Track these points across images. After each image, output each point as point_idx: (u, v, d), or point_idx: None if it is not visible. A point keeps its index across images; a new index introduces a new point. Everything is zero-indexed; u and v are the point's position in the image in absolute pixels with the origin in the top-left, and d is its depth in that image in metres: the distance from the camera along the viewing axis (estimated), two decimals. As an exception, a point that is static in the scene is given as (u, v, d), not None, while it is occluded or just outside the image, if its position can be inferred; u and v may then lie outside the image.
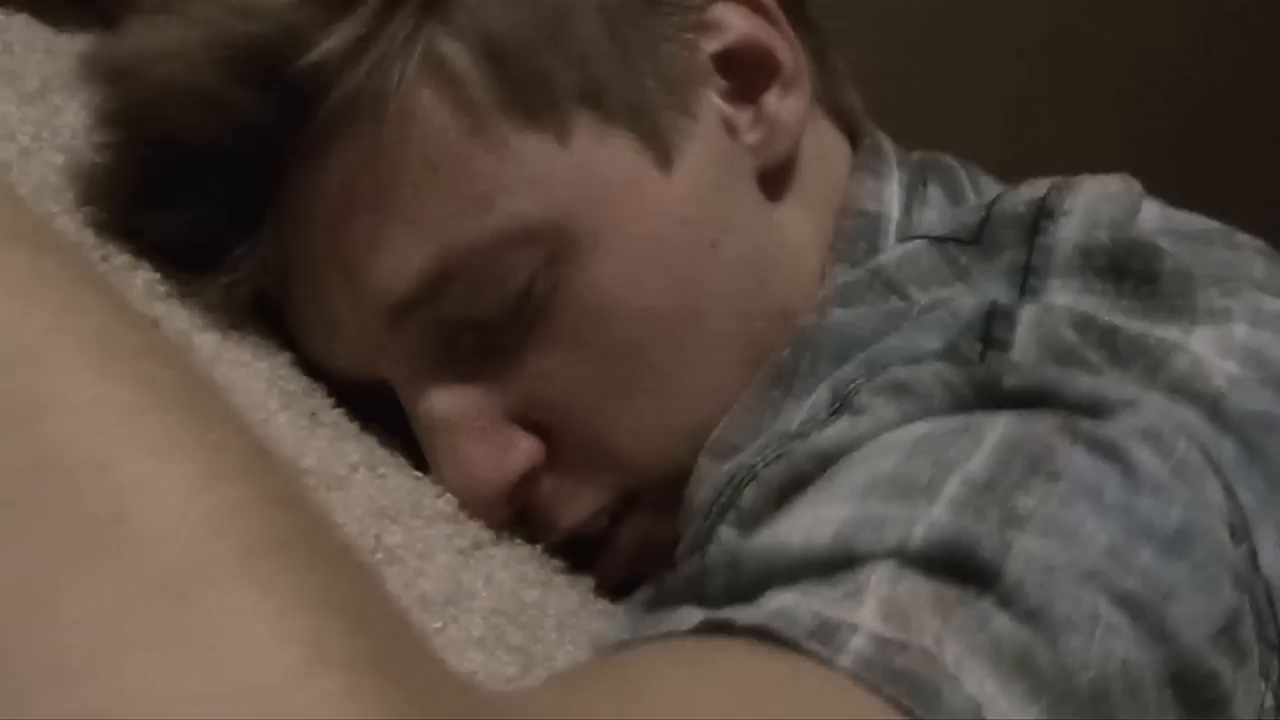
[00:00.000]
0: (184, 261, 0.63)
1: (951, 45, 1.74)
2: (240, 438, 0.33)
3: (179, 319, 0.62)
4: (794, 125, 0.67)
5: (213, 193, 0.62)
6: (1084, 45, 1.85)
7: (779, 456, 0.55)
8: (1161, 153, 1.58)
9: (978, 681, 0.42)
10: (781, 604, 0.44)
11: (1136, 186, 0.63)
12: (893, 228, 0.67)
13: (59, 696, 0.28)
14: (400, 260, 0.62)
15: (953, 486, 0.47)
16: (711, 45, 0.66)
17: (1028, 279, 0.58)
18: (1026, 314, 0.56)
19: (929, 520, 0.46)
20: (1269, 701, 0.49)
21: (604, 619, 0.54)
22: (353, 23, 0.59)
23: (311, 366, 0.65)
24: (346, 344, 0.64)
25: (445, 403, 0.64)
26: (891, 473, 0.49)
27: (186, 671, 0.28)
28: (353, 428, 0.63)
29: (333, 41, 0.59)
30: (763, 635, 0.42)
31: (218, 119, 0.60)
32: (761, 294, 0.65)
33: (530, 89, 0.62)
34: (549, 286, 0.62)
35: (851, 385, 0.56)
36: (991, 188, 0.69)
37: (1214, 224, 0.63)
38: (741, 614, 0.43)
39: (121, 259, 0.62)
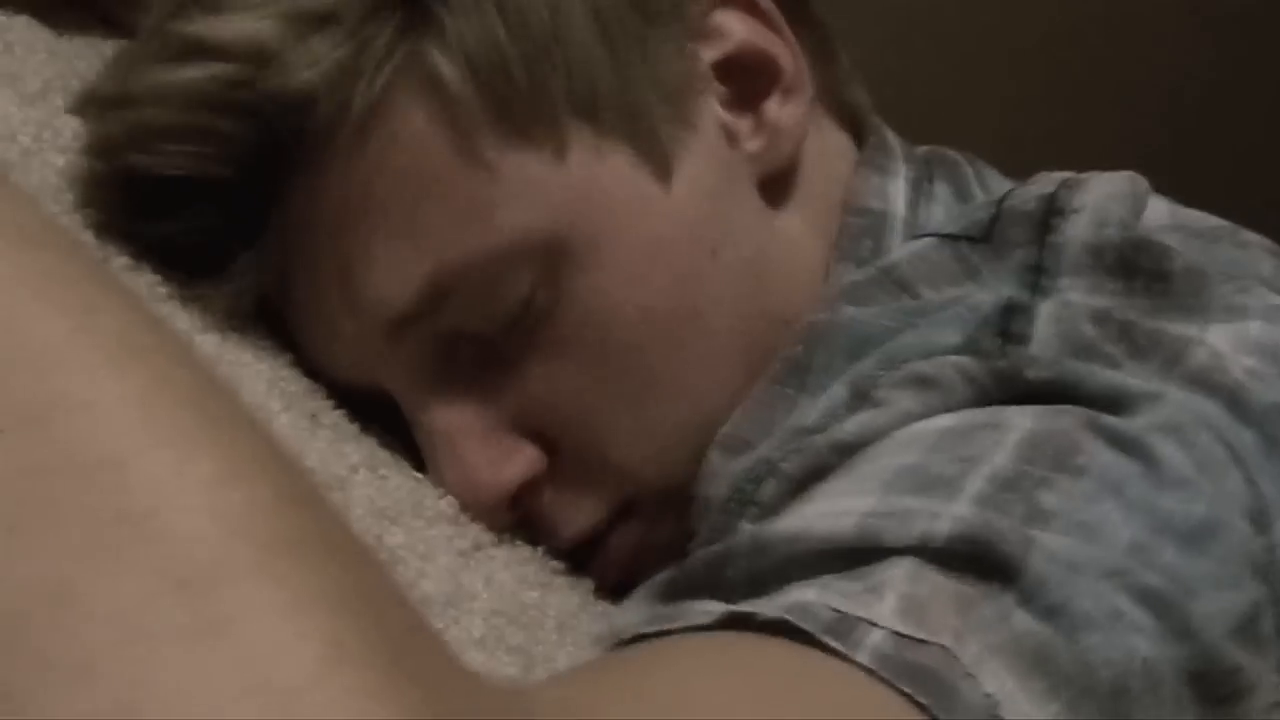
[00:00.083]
0: (186, 267, 0.63)
1: (951, 44, 1.75)
2: (256, 437, 0.34)
3: (180, 320, 0.62)
4: (795, 131, 0.67)
5: (211, 208, 0.62)
6: (1084, 44, 1.85)
7: (798, 451, 0.55)
8: (1161, 152, 1.59)
9: (996, 679, 0.42)
10: (800, 598, 0.44)
11: (1143, 184, 0.63)
12: (899, 225, 0.67)
13: (83, 693, 0.28)
14: (397, 276, 0.62)
15: (977, 481, 0.47)
16: (711, 53, 0.65)
17: (1039, 278, 0.58)
18: (1045, 308, 0.56)
19: (953, 515, 0.46)
20: None
21: (619, 614, 0.54)
22: (330, 45, 0.59)
23: (312, 368, 0.65)
24: (347, 354, 0.64)
25: (445, 413, 0.63)
26: (916, 465, 0.49)
27: (207, 668, 0.29)
28: (353, 429, 0.63)
29: (312, 65, 0.59)
30: (780, 629, 0.42)
31: (206, 152, 0.60)
32: (762, 298, 0.65)
33: (524, 104, 0.61)
34: (549, 298, 0.62)
35: (870, 380, 0.56)
36: (998, 183, 0.69)
37: (1221, 221, 0.63)
38: (759, 607, 0.43)
39: (122, 260, 0.62)
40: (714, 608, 0.45)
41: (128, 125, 0.61)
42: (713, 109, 0.65)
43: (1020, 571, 0.45)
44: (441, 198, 0.61)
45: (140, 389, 0.32)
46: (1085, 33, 1.84)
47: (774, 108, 0.66)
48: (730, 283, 0.64)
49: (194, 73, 0.59)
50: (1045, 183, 0.63)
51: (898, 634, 0.42)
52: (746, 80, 0.66)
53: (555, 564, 0.64)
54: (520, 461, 0.64)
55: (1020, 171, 0.68)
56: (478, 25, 0.61)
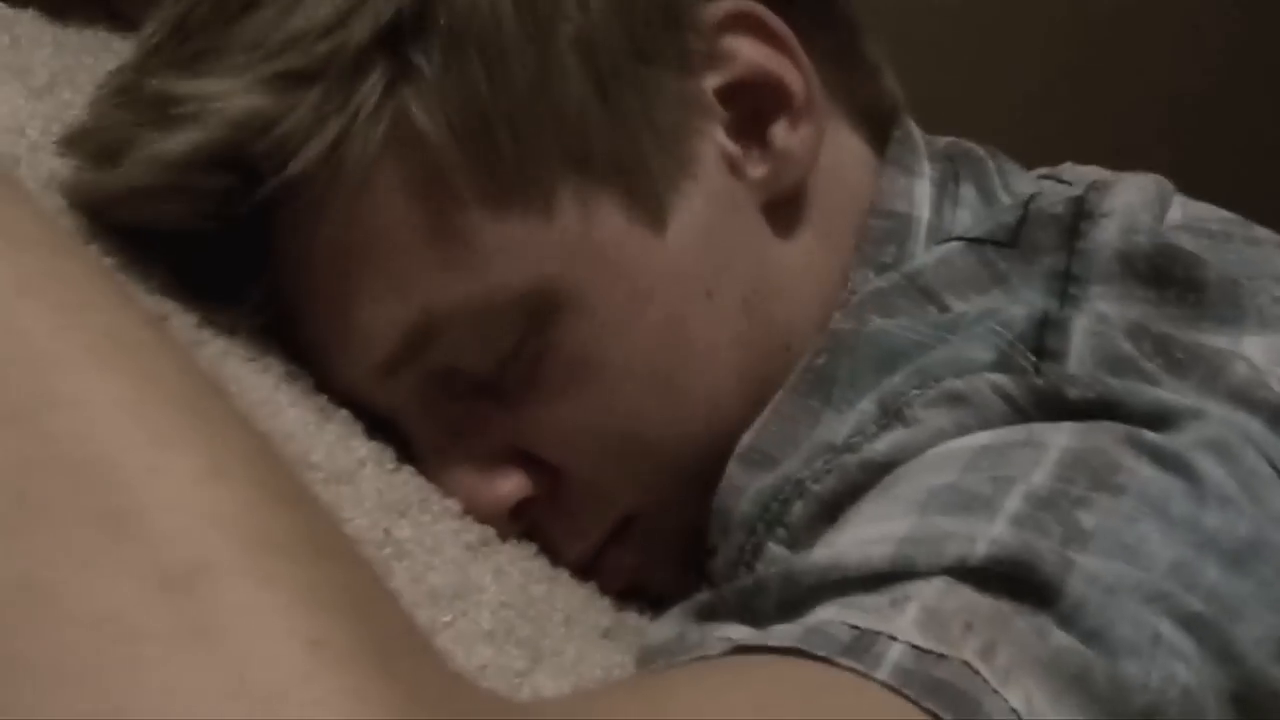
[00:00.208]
0: (195, 276, 0.63)
1: (952, 44, 1.74)
2: (245, 435, 0.33)
3: (189, 315, 0.61)
4: (804, 157, 0.64)
5: (206, 250, 0.62)
6: (1086, 41, 1.85)
7: (828, 471, 0.54)
8: (1166, 146, 1.58)
9: (1024, 694, 0.41)
10: (819, 619, 0.43)
11: (1168, 186, 0.62)
12: (923, 230, 0.65)
13: (64, 696, 0.28)
14: (382, 324, 0.61)
15: (1015, 501, 0.46)
16: (716, 79, 0.63)
17: (1068, 286, 0.57)
18: (1080, 323, 0.54)
19: (990, 537, 0.45)
20: None
21: (657, 625, 0.54)
22: (311, 100, 0.58)
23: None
24: (344, 384, 0.63)
25: (439, 441, 0.63)
26: (951, 485, 0.48)
27: (190, 670, 0.29)
28: (361, 423, 0.62)
29: (289, 122, 0.57)
30: (798, 653, 0.42)
31: (194, 210, 0.59)
32: (761, 330, 0.64)
33: (509, 164, 0.60)
34: (538, 345, 0.61)
35: (902, 398, 0.54)
36: (1020, 180, 0.67)
37: (1232, 216, 0.62)
38: (777, 635, 0.43)
39: (130, 254, 0.62)
40: (735, 633, 0.45)
41: (115, 187, 0.60)
42: (715, 140, 0.63)
43: (1059, 594, 0.44)
44: (423, 254, 0.60)
45: (129, 387, 0.32)
46: (1089, 28, 1.84)
47: (781, 133, 0.64)
48: (725, 321, 0.63)
49: (181, 139, 0.58)
50: (1073, 182, 0.62)
51: (918, 649, 0.41)
52: (753, 104, 0.64)
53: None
54: (510, 486, 0.63)
55: (1026, 165, 0.68)
56: (460, 81, 0.59)
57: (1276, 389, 0.52)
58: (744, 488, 0.58)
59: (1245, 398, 0.52)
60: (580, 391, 0.62)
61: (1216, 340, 0.54)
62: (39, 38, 0.70)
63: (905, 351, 0.57)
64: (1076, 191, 0.61)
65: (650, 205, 0.62)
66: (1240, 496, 0.48)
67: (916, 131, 0.69)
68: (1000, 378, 0.53)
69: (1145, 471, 0.48)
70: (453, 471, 0.63)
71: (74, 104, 0.66)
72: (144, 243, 0.62)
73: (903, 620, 0.43)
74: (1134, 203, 0.60)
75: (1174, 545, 0.46)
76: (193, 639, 0.29)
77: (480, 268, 0.60)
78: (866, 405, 0.56)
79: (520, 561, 0.61)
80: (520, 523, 0.63)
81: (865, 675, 0.41)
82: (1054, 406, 0.52)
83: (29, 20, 0.71)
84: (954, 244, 0.62)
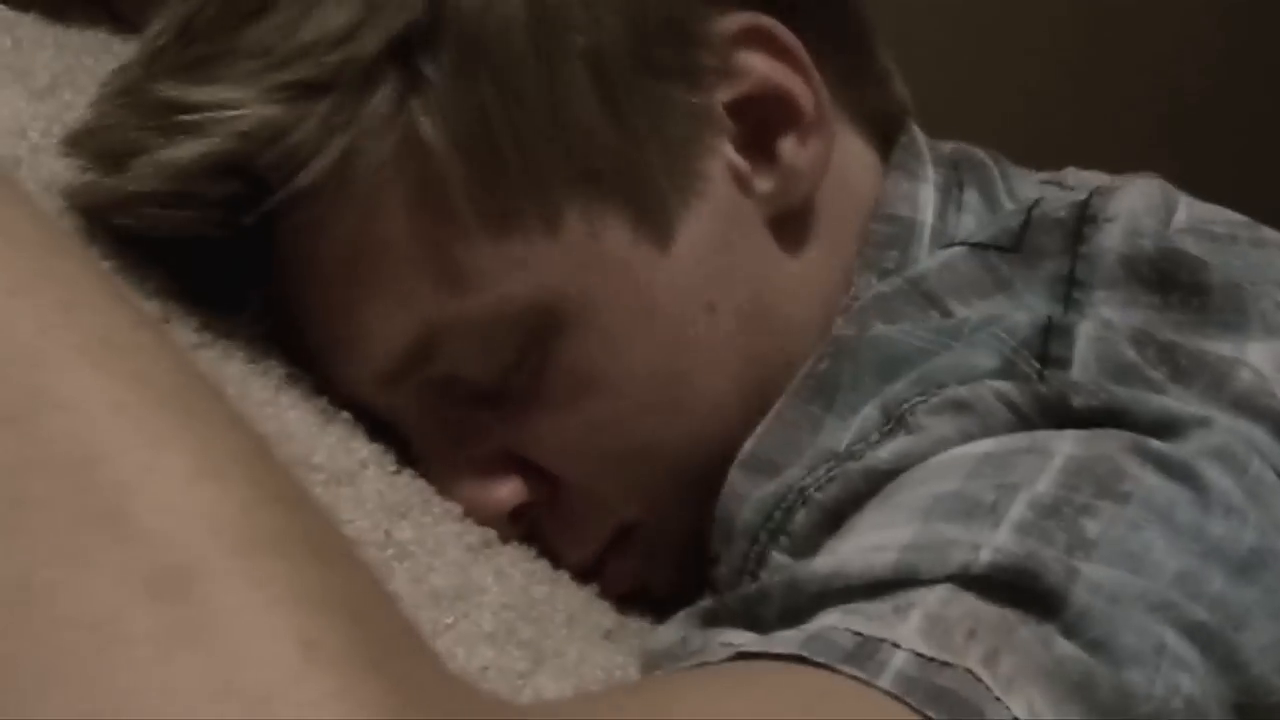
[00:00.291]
0: (196, 280, 0.63)
1: (952, 44, 1.74)
2: (239, 436, 0.33)
3: (191, 318, 0.61)
4: (811, 173, 0.64)
5: (218, 250, 0.61)
6: (1084, 44, 1.85)
7: (830, 479, 0.54)
8: (1168, 146, 1.58)
9: (1027, 701, 0.41)
10: (821, 626, 0.43)
11: (1172, 189, 0.62)
12: (926, 234, 0.64)
13: (53, 698, 0.28)
14: (384, 336, 0.61)
15: (1018, 509, 0.46)
16: (726, 93, 0.63)
17: (1071, 291, 0.57)
18: (1084, 330, 0.54)
19: (994, 544, 0.45)
20: None
21: (660, 630, 0.54)
22: (321, 111, 0.57)
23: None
24: (347, 390, 0.63)
25: (439, 447, 0.63)
26: (955, 492, 0.48)
27: (180, 671, 0.28)
28: (363, 425, 0.62)
29: (299, 133, 0.57)
30: (800, 660, 0.42)
31: (200, 217, 0.59)
32: (761, 345, 0.63)
33: (514, 180, 0.59)
34: (538, 360, 0.61)
35: (905, 405, 0.54)
36: (1023, 185, 0.67)
37: (1238, 218, 0.62)
38: (779, 641, 0.43)
39: (132, 257, 0.62)
40: (738, 639, 0.45)
41: (120, 192, 0.59)
42: (723, 154, 0.63)
43: (1063, 603, 0.44)
44: (427, 267, 0.60)
45: (123, 388, 0.32)
46: (1089, 28, 1.84)
47: (790, 148, 0.64)
48: (728, 334, 0.63)
49: (189, 148, 0.57)
50: (1076, 187, 0.62)
51: (921, 656, 0.41)
52: (762, 118, 0.63)
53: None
54: (508, 492, 0.63)
55: (1027, 165, 0.67)
56: (469, 94, 0.59)
57: None
58: (746, 495, 0.58)
59: (1250, 406, 0.52)
60: (581, 403, 0.62)
61: (1221, 347, 0.54)
62: (40, 40, 0.70)
63: (908, 357, 0.57)
64: (1080, 196, 0.61)
65: (657, 221, 0.61)
66: (1246, 505, 0.48)
67: (921, 137, 0.69)
68: (1004, 385, 0.53)
69: (1150, 480, 0.48)
70: (453, 477, 0.62)
71: (75, 105, 0.66)
72: (145, 247, 0.62)
73: (906, 627, 0.42)
74: (1138, 207, 0.59)
75: (1179, 554, 0.46)
76: (185, 640, 0.29)
77: (485, 281, 0.60)
78: (869, 411, 0.56)
79: (522, 563, 0.61)
80: (520, 525, 0.63)
81: (867, 683, 0.41)
82: (1058, 414, 0.51)
83: (30, 22, 0.71)
84: (957, 249, 0.62)
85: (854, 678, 0.41)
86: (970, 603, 0.44)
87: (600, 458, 0.63)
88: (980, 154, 0.69)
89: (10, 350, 0.32)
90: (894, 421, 0.54)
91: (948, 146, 0.69)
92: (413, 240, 0.60)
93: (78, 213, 0.61)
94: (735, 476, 0.60)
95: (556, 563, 0.63)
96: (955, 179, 0.67)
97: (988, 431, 0.52)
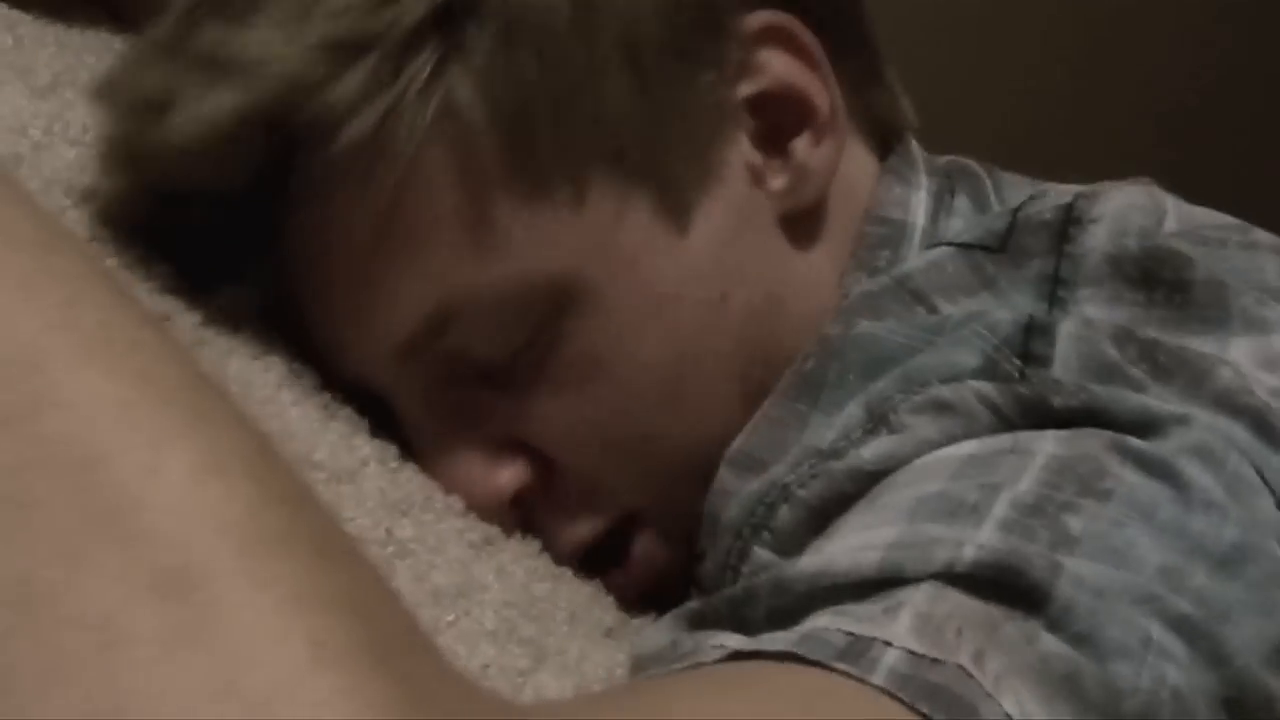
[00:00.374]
0: (198, 267, 0.63)
1: (952, 44, 1.74)
2: (244, 434, 0.33)
3: (193, 314, 0.61)
4: (823, 173, 0.65)
5: (225, 214, 0.61)
6: (1084, 45, 1.85)
7: (814, 476, 0.54)
8: (1166, 149, 1.58)
9: (1017, 699, 0.41)
10: (814, 626, 0.43)
11: (1160, 194, 0.62)
12: (918, 236, 0.65)
13: (55, 699, 0.28)
14: (403, 306, 0.61)
15: (1001, 507, 0.47)
16: (747, 88, 0.64)
17: (1056, 289, 0.58)
18: (1065, 328, 0.55)
19: (978, 542, 0.45)
20: None
21: (647, 633, 0.54)
22: (363, 69, 0.58)
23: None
24: (351, 365, 0.64)
25: (442, 428, 0.63)
26: (939, 493, 0.48)
27: (188, 670, 0.28)
28: (364, 422, 0.62)
29: (340, 89, 0.58)
30: (794, 659, 0.42)
31: (228, 166, 0.59)
32: (769, 340, 0.64)
33: (545, 153, 0.60)
34: (550, 339, 0.61)
35: (888, 402, 0.55)
36: (1014, 192, 0.68)
37: (1230, 222, 0.62)
38: (772, 641, 0.43)
39: (134, 253, 0.62)
40: (729, 640, 0.45)
41: (157, 138, 0.59)
42: (741, 148, 0.64)
43: (1048, 598, 0.44)
44: (453, 235, 0.60)
45: (126, 386, 0.32)
46: (1088, 29, 1.84)
47: (803, 148, 0.65)
48: (736, 328, 0.63)
49: (230, 97, 0.58)
50: (1061, 192, 0.62)
51: (913, 653, 0.41)
52: (778, 116, 0.64)
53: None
54: (510, 475, 0.63)
55: (1020, 171, 0.67)
56: (508, 64, 0.59)
57: (1260, 394, 0.52)
58: (734, 492, 0.59)
59: (1229, 403, 0.52)
60: (589, 386, 0.62)
61: (1203, 343, 0.54)
62: (41, 38, 0.70)
63: (892, 355, 0.57)
64: (1066, 200, 0.61)
65: (676, 206, 0.62)
66: (1226, 502, 0.48)
67: (917, 149, 0.70)
68: (986, 386, 0.53)
69: (1131, 478, 0.48)
70: (452, 460, 0.63)
71: (76, 104, 0.66)
72: (147, 241, 0.62)
73: (897, 626, 0.43)
74: (1124, 208, 0.60)
75: (1162, 550, 0.46)
76: (189, 640, 0.29)
77: (507, 253, 0.60)
78: (853, 409, 0.56)
79: (523, 560, 0.61)
80: (519, 512, 0.63)
81: (861, 680, 0.41)
82: (1039, 414, 0.52)
83: (31, 20, 0.71)
84: (944, 249, 0.63)
85: (848, 675, 0.41)
86: (956, 600, 0.44)
87: (603, 443, 0.63)
88: (974, 165, 0.70)
89: (12, 349, 0.32)
90: (877, 420, 0.55)
91: (943, 160, 0.70)
92: (442, 208, 0.60)
93: (108, 163, 0.61)
94: (724, 474, 0.61)
95: (555, 554, 0.63)
96: (948, 186, 0.68)
97: (970, 433, 0.52)
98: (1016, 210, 0.62)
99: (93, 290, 0.35)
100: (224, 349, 0.61)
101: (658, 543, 0.65)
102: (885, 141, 0.70)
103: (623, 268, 0.61)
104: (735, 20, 0.63)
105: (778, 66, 0.64)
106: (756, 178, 0.64)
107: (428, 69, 0.59)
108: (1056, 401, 0.52)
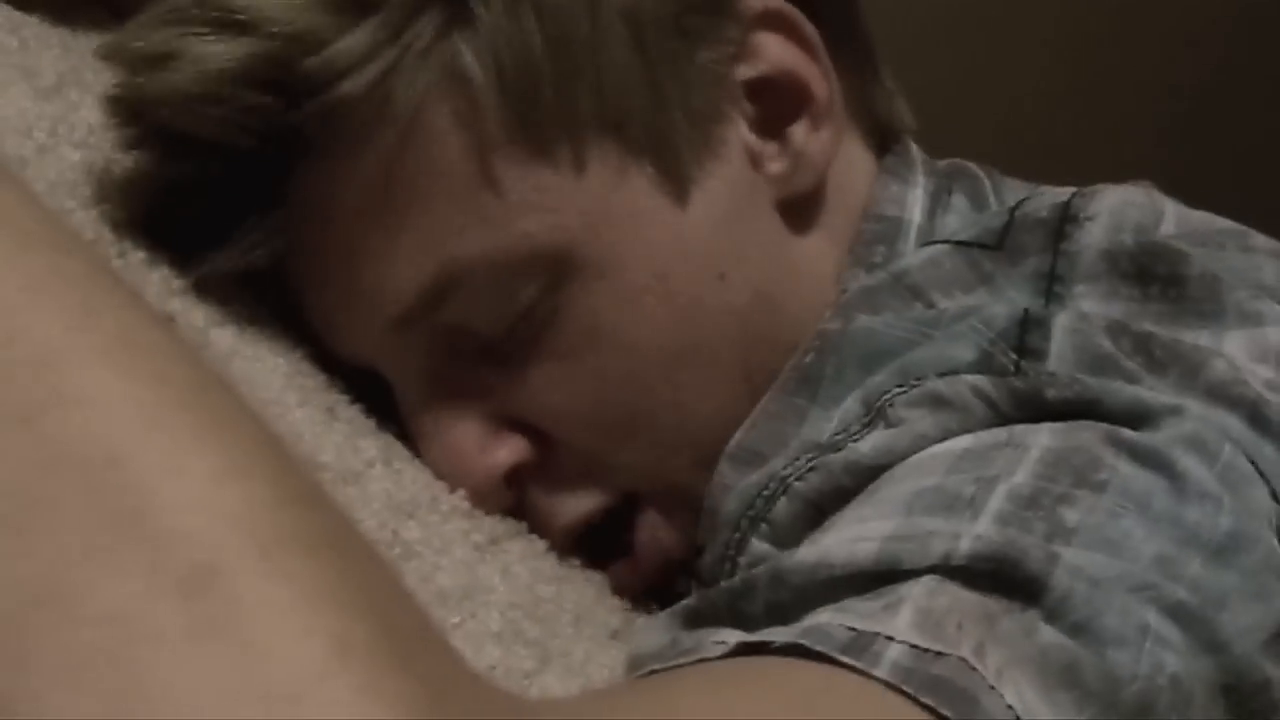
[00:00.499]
0: (198, 238, 0.63)
1: (952, 45, 1.74)
2: (259, 435, 0.33)
3: (195, 314, 0.62)
4: (820, 159, 0.65)
5: (228, 174, 0.62)
6: (1084, 44, 1.85)
7: (811, 469, 0.54)
8: (1165, 152, 1.58)
9: (1017, 691, 0.42)
10: (816, 621, 0.44)
11: (1159, 197, 0.63)
12: (914, 233, 0.66)
13: (79, 697, 0.28)
14: (403, 272, 0.61)
15: (997, 500, 0.47)
16: (745, 72, 0.64)
17: (1052, 285, 0.58)
18: (1060, 321, 0.55)
19: (974, 534, 0.46)
20: None
21: (645, 632, 0.54)
22: (367, 28, 0.58)
23: (328, 361, 0.65)
24: (347, 339, 0.64)
25: (439, 403, 0.63)
26: (935, 487, 0.49)
27: (209, 668, 0.29)
28: (369, 423, 0.63)
29: (343, 45, 0.58)
30: (797, 652, 0.42)
31: (233, 121, 0.59)
32: (768, 324, 0.64)
33: (549, 118, 0.61)
34: (549, 309, 0.62)
35: (885, 396, 0.55)
36: (1013, 193, 0.68)
37: (1229, 225, 0.62)
38: (775, 635, 0.43)
39: (138, 255, 0.62)
40: (730, 637, 0.45)
41: (161, 86, 0.60)
42: (739, 131, 0.64)
43: (1045, 588, 0.44)
44: (454, 199, 0.61)
45: (142, 388, 0.32)
46: (1089, 28, 1.84)
47: (801, 134, 0.65)
48: (735, 309, 0.64)
49: (233, 47, 0.58)
50: (1058, 191, 0.63)
51: (915, 647, 0.42)
52: (776, 102, 0.65)
53: (571, 557, 0.64)
54: (507, 451, 0.63)
55: (1021, 171, 0.68)
56: (514, 31, 0.60)
57: (1254, 386, 0.53)
58: (733, 486, 0.59)
59: (1223, 395, 0.52)
60: (587, 359, 0.62)
61: (1198, 337, 0.55)
62: (46, 39, 0.70)
63: (890, 349, 0.58)
64: (1063, 198, 0.62)
65: (676, 179, 0.62)
66: (1220, 491, 0.49)
67: (915, 149, 0.71)
68: (981, 380, 0.53)
69: (1126, 469, 0.49)
70: (448, 435, 0.63)
71: (81, 105, 0.66)
72: (150, 238, 0.62)
73: (898, 621, 0.43)
74: (1120, 206, 0.60)
75: (1157, 540, 0.47)
76: (211, 638, 0.29)
77: (506, 220, 0.61)
78: (851, 403, 0.57)
79: (529, 561, 0.61)
80: (514, 490, 0.64)
81: (865, 673, 0.41)
82: (1034, 407, 0.52)
83: (36, 22, 0.71)
84: (941, 246, 0.63)
85: (852, 668, 0.41)
86: (955, 593, 0.44)
87: (600, 418, 0.63)
88: (973, 167, 0.70)
89: (31, 349, 0.32)
90: (874, 413, 0.55)
91: (943, 162, 0.71)
92: (443, 170, 0.61)
93: (114, 115, 0.62)
94: (723, 468, 0.61)
95: (551, 537, 0.64)
96: (945, 185, 0.68)
97: (966, 427, 0.52)
98: (1014, 208, 0.63)
99: (107, 292, 0.35)
100: (227, 350, 0.61)
101: (662, 526, 0.65)
102: (883, 142, 0.70)
103: (622, 236, 0.62)
104: (735, 2, 0.64)
105: (776, 50, 0.65)
106: (755, 161, 0.65)
107: (432, 30, 0.60)
108: (1051, 394, 0.52)
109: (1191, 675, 0.45)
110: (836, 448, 0.55)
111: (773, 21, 0.65)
